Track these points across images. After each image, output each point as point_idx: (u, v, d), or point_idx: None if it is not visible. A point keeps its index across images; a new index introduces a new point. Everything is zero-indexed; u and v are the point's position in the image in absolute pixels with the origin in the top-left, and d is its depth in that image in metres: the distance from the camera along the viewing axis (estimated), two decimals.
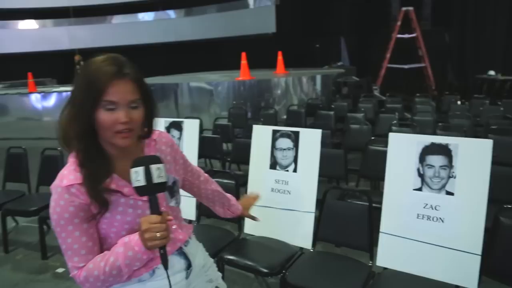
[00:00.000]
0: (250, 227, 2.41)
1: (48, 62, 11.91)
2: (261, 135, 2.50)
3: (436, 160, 1.88)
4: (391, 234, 1.97)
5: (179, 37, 12.01)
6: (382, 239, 1.99)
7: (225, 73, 8.40)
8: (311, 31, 11.61)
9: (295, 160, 2.35)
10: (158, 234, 0.99)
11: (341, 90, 7.68)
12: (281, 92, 6.82)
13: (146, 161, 1.02)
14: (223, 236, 2.44)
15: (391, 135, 2.02)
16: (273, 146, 2.44)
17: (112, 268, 1.05)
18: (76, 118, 1.02)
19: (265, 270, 2.07)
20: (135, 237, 1.04)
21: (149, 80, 7.90)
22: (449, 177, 1.85)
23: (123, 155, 1.10)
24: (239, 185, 2.57)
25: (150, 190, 1.01)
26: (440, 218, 1.86)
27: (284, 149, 2.39)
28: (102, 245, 1.12)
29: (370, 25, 11.14)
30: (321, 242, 2.28)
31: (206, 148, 3.83)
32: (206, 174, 1.49)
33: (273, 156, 2.43)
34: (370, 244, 2.06)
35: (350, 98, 6.58)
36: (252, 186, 2.46)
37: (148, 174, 1.00)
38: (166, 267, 1.05)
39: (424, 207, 1.90)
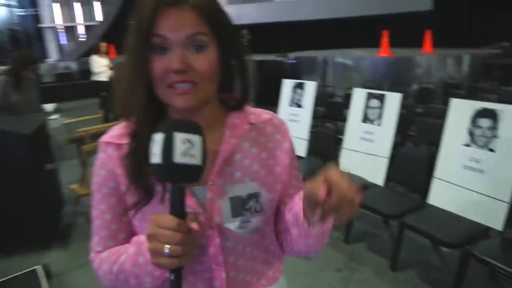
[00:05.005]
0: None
1: None
2: (358, 97, 3.23)
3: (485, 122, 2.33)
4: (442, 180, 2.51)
5: (333, 14, 12.55)
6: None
7: (370, 50, 8.73)
8: (481, 5, 10.14)
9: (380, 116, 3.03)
10: (166, 248, 0.60)
11: (492, 73, 7.25)
12: (420, 71, 6.93)
13: (172, 126, 0.61)
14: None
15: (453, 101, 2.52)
16: (366, 105, 3.14)
17: (119, 271, 0.73)
18: (129, 71, 0.70)
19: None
20: None
21: (299, 54, 8.87)
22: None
23: None
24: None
25: (171, 174, 0.61)
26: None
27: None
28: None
29: None
30: None
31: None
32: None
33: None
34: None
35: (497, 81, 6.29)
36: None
37: (167, 147, 0.59)
38: None
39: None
